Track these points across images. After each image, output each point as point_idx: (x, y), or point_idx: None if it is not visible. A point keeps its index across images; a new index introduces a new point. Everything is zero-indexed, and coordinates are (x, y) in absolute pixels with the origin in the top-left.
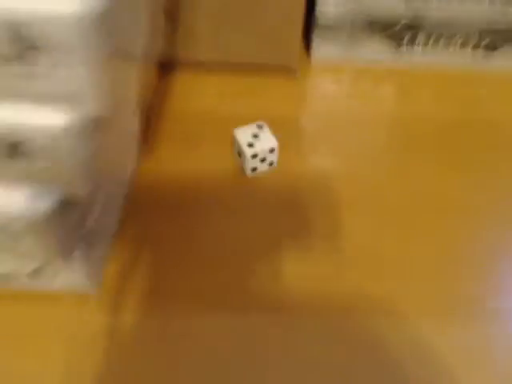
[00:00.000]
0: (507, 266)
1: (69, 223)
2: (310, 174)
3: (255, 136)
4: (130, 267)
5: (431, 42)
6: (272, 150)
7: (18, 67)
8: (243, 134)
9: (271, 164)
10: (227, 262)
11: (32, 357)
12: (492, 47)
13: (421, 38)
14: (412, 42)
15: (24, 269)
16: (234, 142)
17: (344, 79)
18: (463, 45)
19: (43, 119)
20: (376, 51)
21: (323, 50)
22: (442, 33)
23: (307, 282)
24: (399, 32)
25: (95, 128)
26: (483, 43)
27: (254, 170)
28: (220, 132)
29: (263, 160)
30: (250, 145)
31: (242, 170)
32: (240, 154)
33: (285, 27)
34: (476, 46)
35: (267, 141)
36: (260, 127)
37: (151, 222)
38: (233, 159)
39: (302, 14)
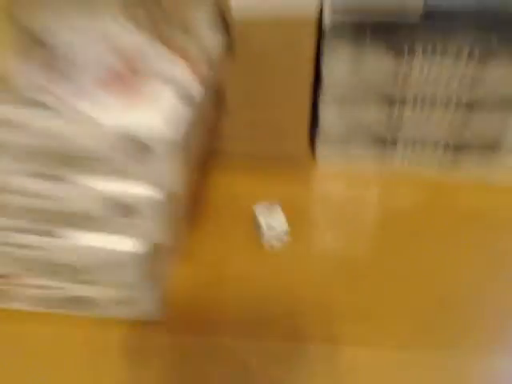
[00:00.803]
0: None
1: (157, 260)
2: (314, 250)
3: (270, 217)
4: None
5: (408, 152)
6: (284, 232)
7: (132, 163)
8: (262, 215)
9: (283, 241)
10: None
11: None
12: (455, 159)
13: (399, 149)
14: (392, 152)
15: (110, 296)
16: (254, 220)
17: (342, 175)
18: (437, 151)
19: (145, 192)
20: (367, 158)
21: (325, 155)
22: (415, 147)
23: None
24: (383, 146)
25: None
26: (449, 154)
27: (271, 245)
28: (241, 208)
29: (278, 238)
30: (268, 225)
31: (261, 243)
32: (259, 229)
33: (293, 136)
34: (443, 156)
35: (280, 223)
36: (275, 209)
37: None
38: (251, 233)
39: (306, 128)
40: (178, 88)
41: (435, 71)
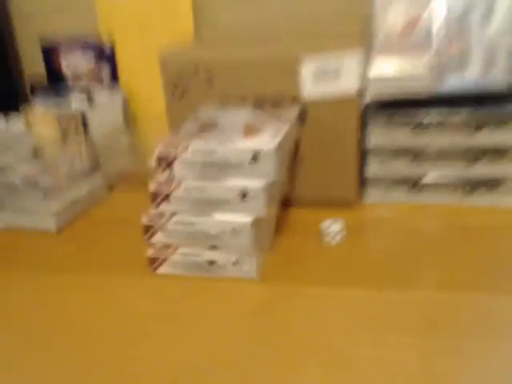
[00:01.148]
0: None
1: (262, 230)
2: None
3: (332, 223)
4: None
5: (432, 188)
6: (340, 230)
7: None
8: (324, 224)
9: (338, 239)
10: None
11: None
12: (469, 192)
13: (426, 187)
14: (419, 190)
15: (227, 260)
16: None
17: (382, 210)
18: (452, 190)
19: (256, 183)
20: (402, 195)
21: (370, 196)
22: (436, 186)
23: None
24: (414, 185)
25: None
26: (464, 190)
27: (329, 241)
28: (309, 226)
29: (334, 236)
30: (328, 229)
31: (323, 243)
32: (322, 232)
33: (345, 182)
34: (460, 192)
35: (337, 227)
36: (334, 220)
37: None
38: (318, 239)
39: (355, 177)
40: (275, 133)
41: (443, 139)
